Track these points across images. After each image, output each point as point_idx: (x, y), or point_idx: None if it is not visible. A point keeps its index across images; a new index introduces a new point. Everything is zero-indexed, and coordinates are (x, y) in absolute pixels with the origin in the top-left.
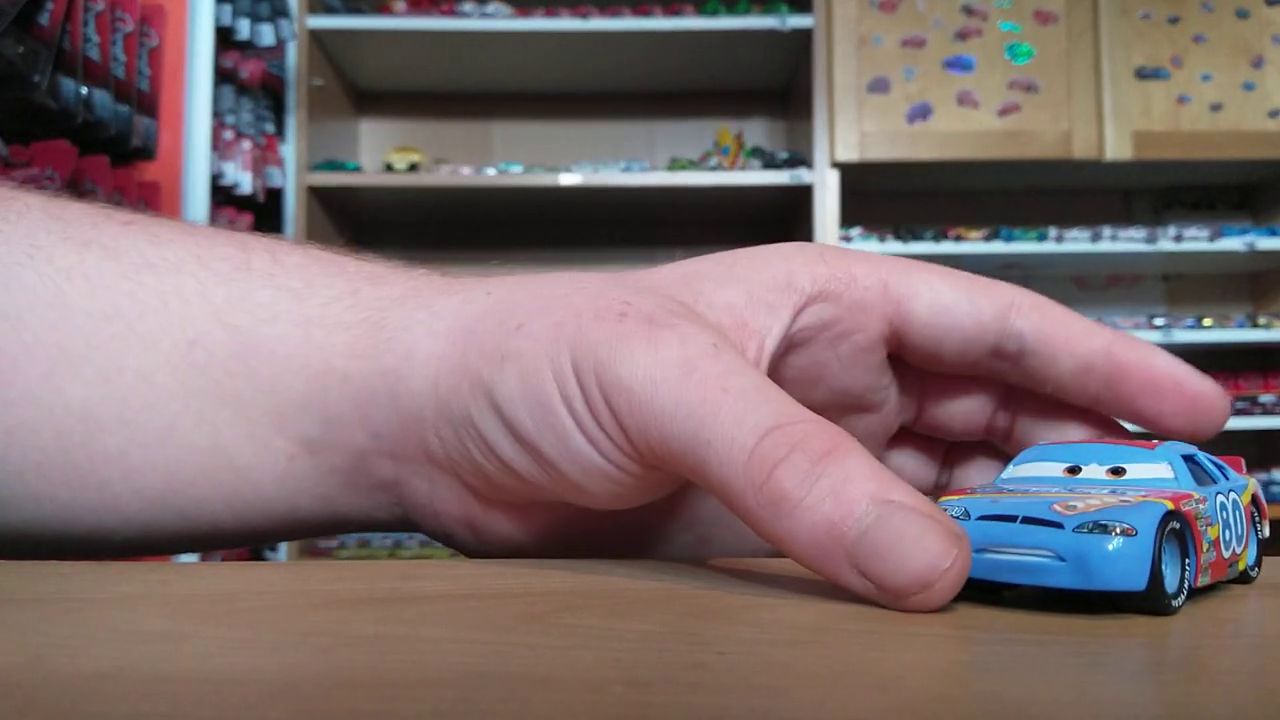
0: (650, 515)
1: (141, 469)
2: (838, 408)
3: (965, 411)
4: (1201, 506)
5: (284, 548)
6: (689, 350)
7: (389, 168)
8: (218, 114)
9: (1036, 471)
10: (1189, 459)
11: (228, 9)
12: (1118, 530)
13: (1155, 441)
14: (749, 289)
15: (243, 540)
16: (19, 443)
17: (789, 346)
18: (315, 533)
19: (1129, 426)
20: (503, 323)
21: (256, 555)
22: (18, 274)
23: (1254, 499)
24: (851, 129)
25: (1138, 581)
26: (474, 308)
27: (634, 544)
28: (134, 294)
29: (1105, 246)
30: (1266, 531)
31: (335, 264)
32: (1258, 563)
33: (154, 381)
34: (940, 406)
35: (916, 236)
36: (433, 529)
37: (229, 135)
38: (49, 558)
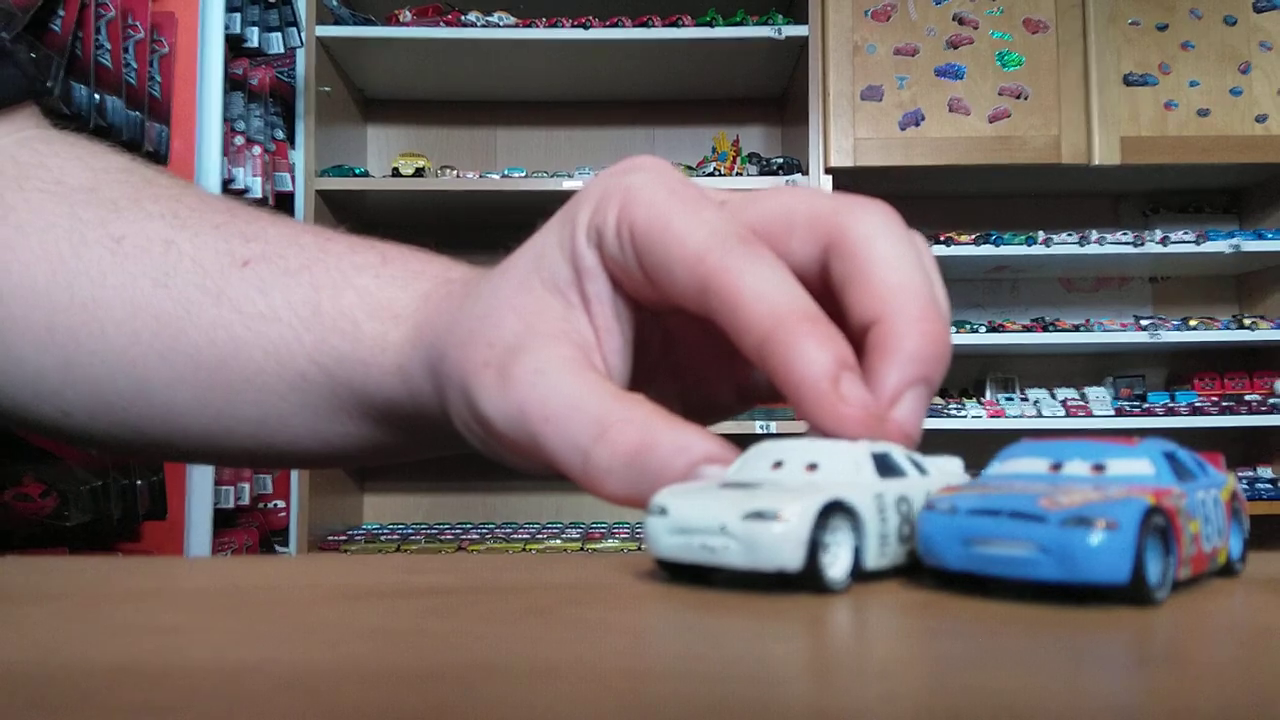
0: None
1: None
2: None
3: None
4: (1182, 502)
5: (293, 542)
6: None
7: (395, 173)
8: (228, 120)
9: (1021, 468)
10: (1169, 456)
11: (237, 17)
12: (1101, 524)
13: (1137, 439)
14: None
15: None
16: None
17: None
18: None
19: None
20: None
21: (267, 549)
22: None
23: (1233, 495)
24: (845, 135)
25: (1120, 574)
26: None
27: None
28: None
29: (1093, 249)
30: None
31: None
32: (1242, 557)
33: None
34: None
35: None
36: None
37: (239, 141)
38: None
